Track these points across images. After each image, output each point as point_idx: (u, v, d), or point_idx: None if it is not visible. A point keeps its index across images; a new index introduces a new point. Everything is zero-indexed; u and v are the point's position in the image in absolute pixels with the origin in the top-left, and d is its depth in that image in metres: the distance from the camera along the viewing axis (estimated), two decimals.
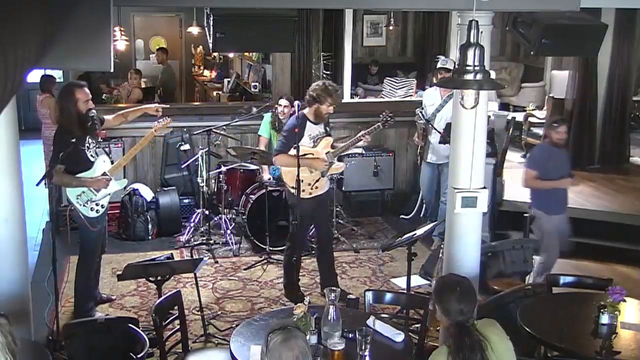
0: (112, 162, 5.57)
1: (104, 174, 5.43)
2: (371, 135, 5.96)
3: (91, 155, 5.39)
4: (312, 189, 5.81)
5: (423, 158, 7.40)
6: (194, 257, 6.63)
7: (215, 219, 7.47)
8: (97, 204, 5.41)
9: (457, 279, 3.51)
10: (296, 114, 5.83)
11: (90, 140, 5.39)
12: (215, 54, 13.16)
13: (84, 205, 5.37)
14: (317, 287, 6.27)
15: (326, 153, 5.85)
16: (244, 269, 6.78)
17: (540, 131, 9.32)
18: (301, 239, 6.14)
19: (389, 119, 5.93)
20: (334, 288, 3.85)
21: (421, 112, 7.30)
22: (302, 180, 5.69)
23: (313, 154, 5.79)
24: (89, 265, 5.55)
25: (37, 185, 5.24)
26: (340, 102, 6.05)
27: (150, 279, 5.02)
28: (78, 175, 5.34)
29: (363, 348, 3.56)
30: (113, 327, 4.06)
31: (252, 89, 10.27)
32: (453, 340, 3.18)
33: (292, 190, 5.78)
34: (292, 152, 5.66)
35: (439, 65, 7.07)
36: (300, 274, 6.20)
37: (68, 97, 5.29)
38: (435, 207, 7.42)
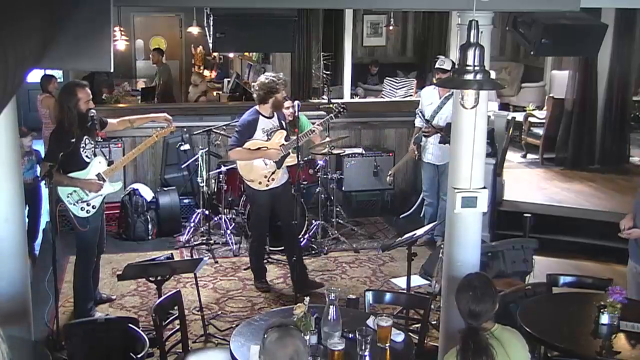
0: (109, 163, 5.53)
1: (99, 175, 5.41)
2: (323, 125, 6.52)
3: (87, 156, 5.35)
4: (268, 181, 6.03)
5: (422, 157, 7.38)
6: (194, 257, 6.64)
7: (215, 219, 7.47)
8: (87, 204, 5.35)
9: (474, 281, 3.37)
10: (296, 113, 5.99)
11: (87, 140, 5.36)
12: (215, 54, 13.16)
13: (74, 205, 5.33)
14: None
15: (280, 145, 6.01)
16: (244, 269, 6.77)
17: (540, 131, 9.33)
18: (261, 231, 6.35)
19: (342, 110, 6.42)
20: (334, 288, 3.86)
21: (420, 112, 7.28)
22: (259, 173, 5.99)
23: (267, 147, 5.96)
24: (86, 265, 5.54)
25: None
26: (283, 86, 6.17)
27: (150, 279, 5.02)
28: (71, 175, 5.31)
29: (363, 348, 3.57)
30: (113, 327, 4.06)
31: (252, 89, 10.24)
32: (460, 341, 3.19)
33: (249, 183, 6.08)
34: (245, 146, 5.92)
35: (436, 65, 7.06)
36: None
37: (69, 96, 5.27)
38: (437, 208, 7.39)
